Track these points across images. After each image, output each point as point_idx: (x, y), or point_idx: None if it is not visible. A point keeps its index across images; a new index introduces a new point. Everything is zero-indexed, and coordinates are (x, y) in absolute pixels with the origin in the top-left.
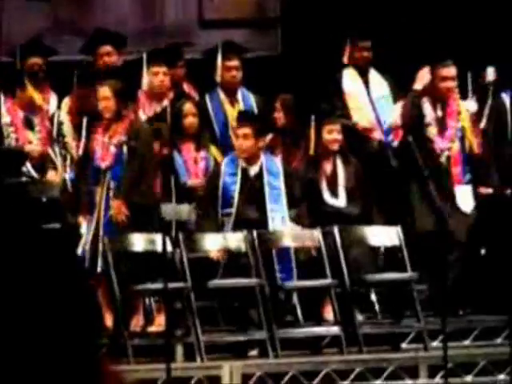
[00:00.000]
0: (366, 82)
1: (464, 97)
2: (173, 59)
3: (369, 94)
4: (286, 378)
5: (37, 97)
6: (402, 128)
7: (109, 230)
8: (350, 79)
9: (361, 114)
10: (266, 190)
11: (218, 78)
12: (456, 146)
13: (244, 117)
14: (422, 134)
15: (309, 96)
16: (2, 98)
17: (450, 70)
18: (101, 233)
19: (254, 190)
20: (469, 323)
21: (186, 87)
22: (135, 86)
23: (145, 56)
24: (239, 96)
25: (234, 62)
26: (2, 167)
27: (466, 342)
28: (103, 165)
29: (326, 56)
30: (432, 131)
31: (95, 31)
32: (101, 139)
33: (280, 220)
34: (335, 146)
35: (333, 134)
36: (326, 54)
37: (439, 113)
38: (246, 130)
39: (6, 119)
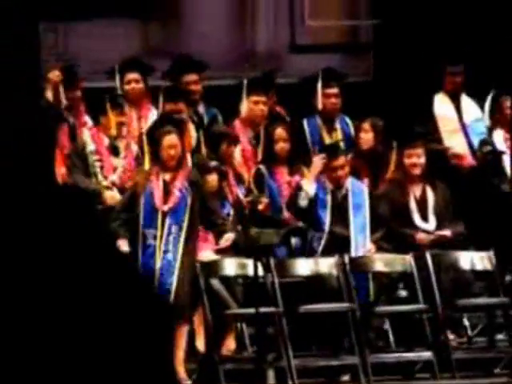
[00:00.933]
0: (458, 107)
1: None
2: (269, 87)
3: (461, 118)
4: None
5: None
6: None
7: (166, 271)
8: (441, 104)
9: (452, 139)
10: (351, 211)
11: (319, 105)
12: None
13: (334, 149)
14: None
15: (398, 121)
16: (89, 124)
17: None
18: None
19: (342, 212)
20: None
21: (278, 111)
22: (232, 113)
23: (245, 84)
24: (337, 124)
25: (334, 90)
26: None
27: None
28: (166, 207)
29: (418, 81)
30: None
31: (178, 57)
32: (155, 180)
33: (363, 243)
34: (417, 171)
35: (412, 159)
36: (419, 79)
37: None
38: (342, 161)
39: (91, 147)
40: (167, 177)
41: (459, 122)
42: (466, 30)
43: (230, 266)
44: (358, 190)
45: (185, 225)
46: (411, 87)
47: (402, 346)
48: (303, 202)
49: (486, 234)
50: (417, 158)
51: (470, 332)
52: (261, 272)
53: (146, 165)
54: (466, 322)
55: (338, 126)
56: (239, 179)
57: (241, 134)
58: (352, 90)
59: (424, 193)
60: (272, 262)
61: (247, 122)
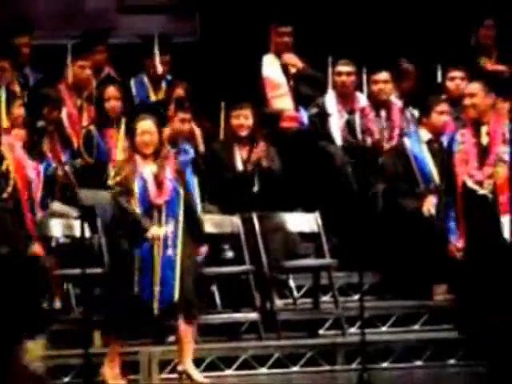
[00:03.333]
0: (286, 70)
1: None
2: (95, 45)
3: (288, 81)
4: (205, 364)
5: None
6: None
7: (168, 268)
8: (269, 66)
9: (280, 102)
10: None
11: (158, 71)
12: (503, 171)
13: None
14: None
15: (225, 82)
16: None
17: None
18: (159, 274)
19: None
20: (387, 309)
21: (107, 71)
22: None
23: (69, 48)
24: (163, 83)
25: (167, 57)
26: None
27: (384, 328)
28: (161, 201)
29: (246, 42)
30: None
31: (7, 18)
32: (145, 172)
33: None
34: (243, 132)
35: (240, 120)
36: (246, 39)
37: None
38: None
39: None
40: (154, 168)
41: (287, 84)
42: None
43: (57, 227)
44: (184, 148)
45: (181, 218)
46: (239, 48)
47: (228, 307)
48: None
49: (313, 196)
50: (244, 119)
51: (295, 293)
52: (88, 233)
53: (120, 155)
54: (292, 284)
55: (163, 85)
56: (67, 143)
57: (66, 98)
58: (179, 50)
59: (250, 155)
60: (99, 223)
61: (73, 86)
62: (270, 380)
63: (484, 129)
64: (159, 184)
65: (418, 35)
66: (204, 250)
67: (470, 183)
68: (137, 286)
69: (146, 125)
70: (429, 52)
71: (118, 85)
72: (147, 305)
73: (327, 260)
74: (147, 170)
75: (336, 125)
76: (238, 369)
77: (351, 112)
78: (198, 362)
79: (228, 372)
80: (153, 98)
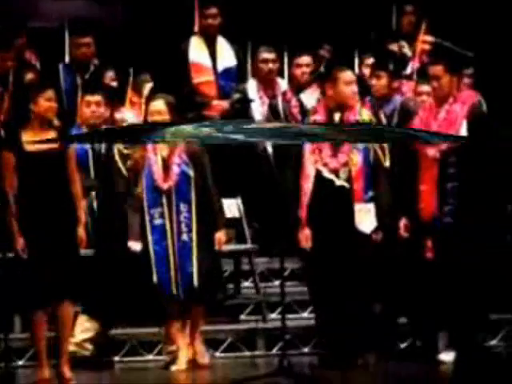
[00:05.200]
0: (213, 53)
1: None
2: (14, 40)
3: (215, 66)
4: (126, 349)
5: None
6: None
7: (184, 253)
8: (196, 49)
9: (206, 88)
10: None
11: (72, 54)
12: (357, 158)
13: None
14: None
15: (149, 68)
16: None
17: (351, 75)
18: (175, 259)
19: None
20: (307, 295)
21: (28, 56)
22: None
23: None
24: (91, 68)
25: (86, 39)
26: None
27: (305, 314)
28: (166, 186)
29: (168, 27)
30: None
31: None
32: (153, 157)
33: None
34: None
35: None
36: (168, 24)
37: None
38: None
39: None
40: (164, 152)
41: (213, 68)
42: None
43: None
44: None
45: (193, 202)
46: (161, 32)
47: None
48: None
49: (235, 181)
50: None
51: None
52: None
53: None
54: None
55: (91, 68)
56: None
57: None
58: (101, 36)
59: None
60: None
61: None
62: (190, 365)
63: (337, 116)
64: (166, 168)
65: (338, 20)
66: (223, 235)
67: (326, 173)
68: (155, 274)
69: (157, 105)
70: (346, 38)
71: (36, 71)
72: (167, 290)
73: (248, 245)
74: (158, 153)
75: (258, 111)
76: (158, 354)
77: (273, 97)
78: (118, 347)
79: (149, 357)
80: (79, 82)
